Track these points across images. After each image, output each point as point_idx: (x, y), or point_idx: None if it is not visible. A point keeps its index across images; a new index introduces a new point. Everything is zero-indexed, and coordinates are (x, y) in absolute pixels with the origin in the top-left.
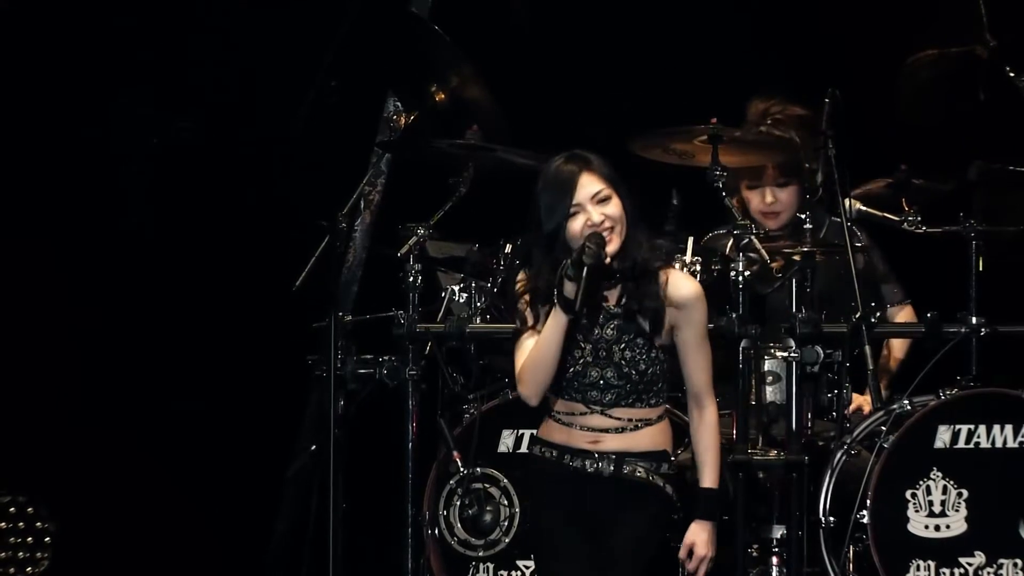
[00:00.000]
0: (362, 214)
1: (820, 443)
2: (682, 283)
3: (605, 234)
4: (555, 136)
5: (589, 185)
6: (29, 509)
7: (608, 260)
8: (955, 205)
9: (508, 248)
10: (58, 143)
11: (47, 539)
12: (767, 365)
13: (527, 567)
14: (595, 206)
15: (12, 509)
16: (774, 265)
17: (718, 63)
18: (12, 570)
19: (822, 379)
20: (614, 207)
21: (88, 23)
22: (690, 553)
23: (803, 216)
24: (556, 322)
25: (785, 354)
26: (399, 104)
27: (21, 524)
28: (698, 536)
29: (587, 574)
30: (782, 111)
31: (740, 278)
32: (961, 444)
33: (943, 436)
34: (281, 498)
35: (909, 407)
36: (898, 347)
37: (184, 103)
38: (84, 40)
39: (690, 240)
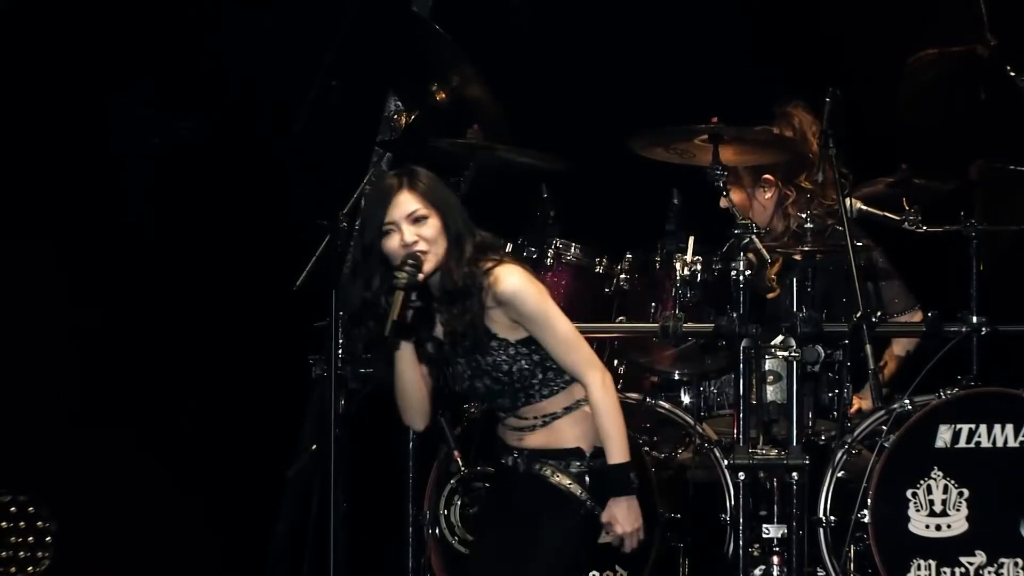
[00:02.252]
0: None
1: (821, 442)
2: (501, 281)
3: (420, 255)
4: (556, 135)
5: (406, 204)
6: (30, 508)
7: (422, 278)
8: (956, 204)
9: (508, 248)
10: (59, 143)
11: (48, 539)
12: (768, 364)
13: None
14: (410, 225)
15: (13, 508)
16: (772, 270)
17: (719, 62)
18: (13, 569)
19: (823, 378)
20: (430, 228)
21: (88, 23)
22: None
23: (804, 216)
24: (398, 351)
25: (786, 353)
26: (400, 103)
27: (22, 523)
28: (613, 515)
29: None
30: (802, 113)
31: (740, 278)
32: (962, 444)
33: (944, 436)
34: (282, 498)
35: (910, 406)
36: (902, 348)
37: (185, 103)
38: (84, 40)
39: (691, 239)
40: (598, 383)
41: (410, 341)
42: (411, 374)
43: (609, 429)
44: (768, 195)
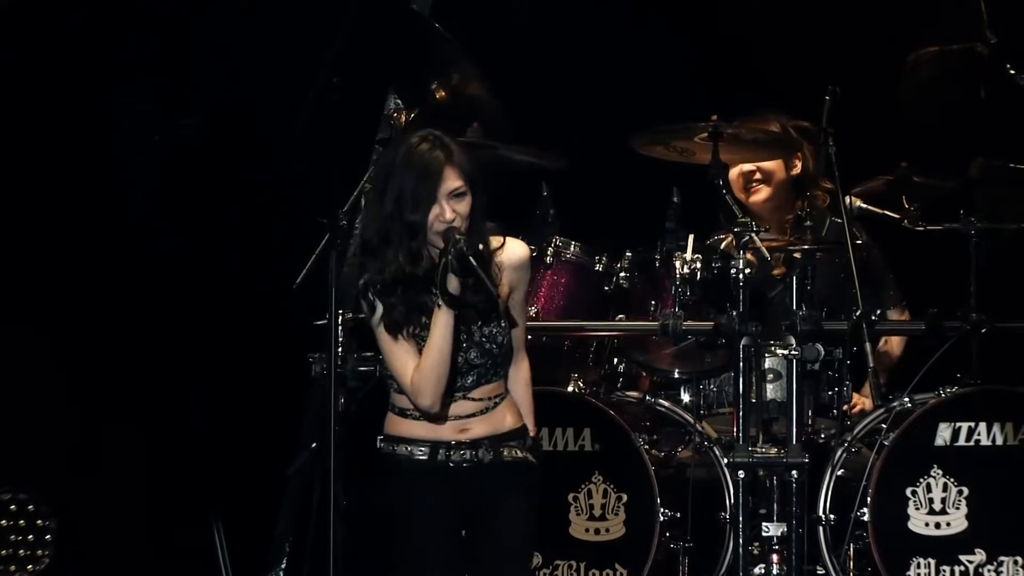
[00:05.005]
0: (363, 211)
1: (821, 441)
2: (515, 247)
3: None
4: (556, 133)
5: (451, 180)
6: (30, 507)
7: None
8: (956, 202)
9: None
10: (60, 141)
11: (48, 537)
12: (768, 363)
13: None
14: (449, 201)
15: (13, 507)
16: (776, 272)
17: (719, 60)
18: (13, 568)
19: (823, 377)
20: (465, 205)
21: (89, 20)
22: None
23: (802, 214)
24: (445, 321)
25: (786, 352)
26: (400, 101)
27: (22, 522)
28: None
29: (472, 566)
30: (787, 120)
31: (740, 276)
32: (961, 442)
33: (943, 434)
34: (282, 496)
35: (910, 404)
36: (895, 346)
37: (186, 101)
38: (85, 37)
39: (691, 237)
40: (528, 359)
41: (467, 306)
42: (450, 346)
43: (532, 401)
44: (772, 164)
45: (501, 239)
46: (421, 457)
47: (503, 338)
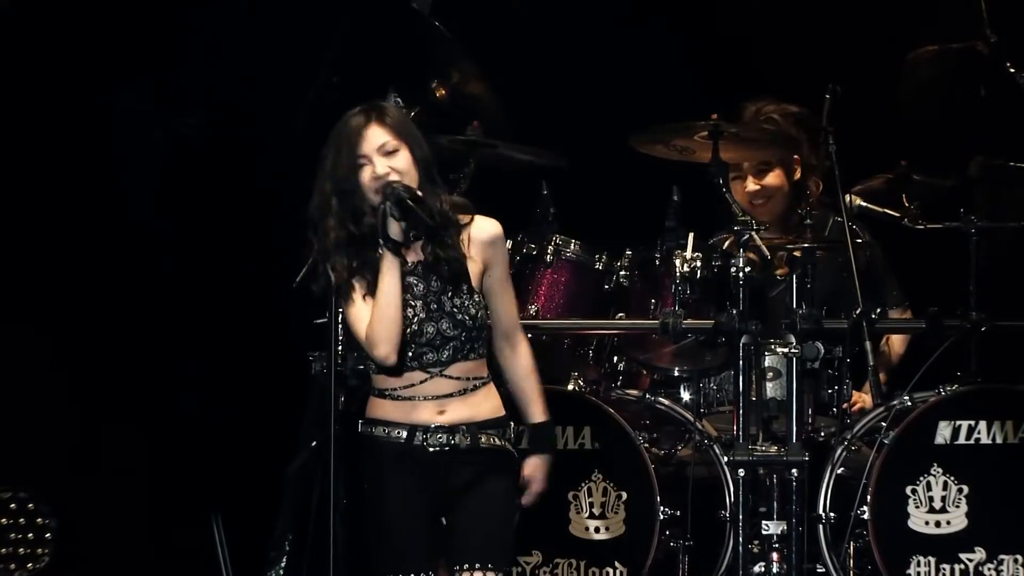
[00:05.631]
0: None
1: (820, 439)
2: (485, 223)
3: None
4: (557, 132)
5: (375, 137)
6: (30, 505)
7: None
8: (956, 201)
9: (508, 244)
10: (60, 141)
11: (48, 535)
12: (768, 361)
13: (528, 563)
14: (381, 157)
15: (13, 505)
16: (779, 272)
17: (719, 59)
18: (13, 566)
19: (823, 375)
20: (401, 160)
21: (89, 19)
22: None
23: (802, 212)
24: (391, 268)
25: (786, 350)
26: (400, 100)
27: (22, 520)
28: (539, 470)
29: (444, 547)
30: (776, 109)
31: (740, 274)
32: (961, 440)
33: (943, 432)
34: (282, 495)
35: (910, 403)
36: (896, 344)
37: (187, 100)
38: (85, 37)
39: (691, 236)
40: (527, 342)
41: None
42: (399, 293)
43: (539, 388)
44: (773, 179)
45: (469, 217)
46: (398, 440)
47: (476, 310)
